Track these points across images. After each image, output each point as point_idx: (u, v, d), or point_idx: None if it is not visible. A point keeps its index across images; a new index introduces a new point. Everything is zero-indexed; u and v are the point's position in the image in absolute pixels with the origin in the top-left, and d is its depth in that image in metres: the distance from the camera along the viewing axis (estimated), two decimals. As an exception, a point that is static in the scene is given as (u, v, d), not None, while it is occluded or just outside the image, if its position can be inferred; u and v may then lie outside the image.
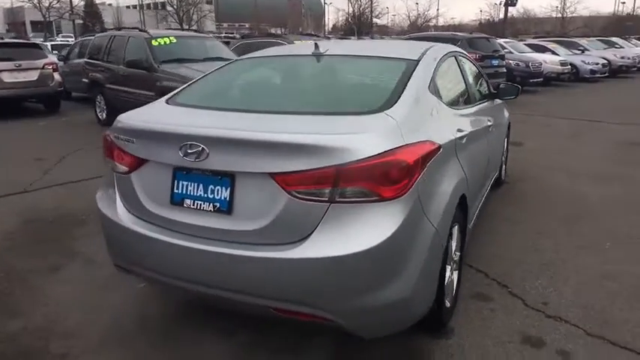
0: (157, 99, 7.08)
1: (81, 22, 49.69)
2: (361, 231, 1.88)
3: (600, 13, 66.11)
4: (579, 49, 18.27)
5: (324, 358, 2.42)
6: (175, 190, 2.13)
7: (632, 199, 4.72)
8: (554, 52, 16.87)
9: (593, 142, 7.38)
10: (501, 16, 66.18)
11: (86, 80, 9.51)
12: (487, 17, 69.65)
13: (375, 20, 57.14)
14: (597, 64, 16.91)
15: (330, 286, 1.90)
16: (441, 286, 2.31)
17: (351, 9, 60.81)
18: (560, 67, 15.22)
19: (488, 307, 2.82)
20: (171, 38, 8.29)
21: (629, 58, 18.97)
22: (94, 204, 2.55)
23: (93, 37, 10.57)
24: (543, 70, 14.45)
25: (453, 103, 2.87)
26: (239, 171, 1.98)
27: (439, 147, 2.21)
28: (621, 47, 20.76)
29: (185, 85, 2.87)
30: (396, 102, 2.22)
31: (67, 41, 28.59)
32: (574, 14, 61.29)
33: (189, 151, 2.00)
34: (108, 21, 55.88)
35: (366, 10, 55.32)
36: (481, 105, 3.55)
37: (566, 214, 4.29)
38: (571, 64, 16.00)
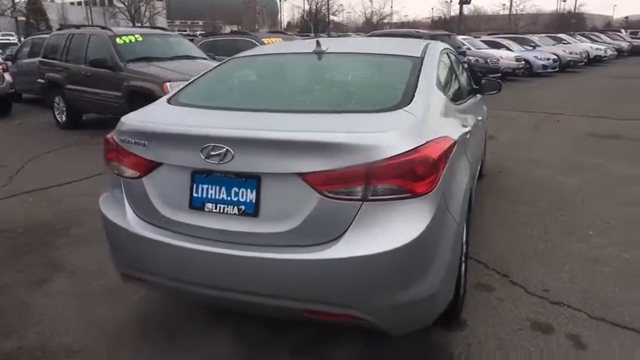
0: (124, 100, 6.94)
1: (23, 19, 47.08)
2: (394, 228, 1.87)
3: (543, 11, 69.07)
4: (531, 45, 19.03)
5: (347, 356, 2.41)
6: (194, 194, 2.05)
7: (602, 187, 4.95)
8: (508, 48, 17.50)
9: (556, 134, 7.69)
10: (453, 13, 68.36)
11: (42, 81, 9.02)
12: (439, 15, 71.45)
13: (331, 17, 57.27)
14: (548, 59, 17.68)
15: (365, 285, 1.89)
16: (458, 279, 2.34)
17: (307, 6, 60.84)
18: (515, 62, 15.81)
19: (494, 297, 2.89)
20: (136, 36, 8.01)
21: (576, 54, 19.95)
22: (70, 212, 2.43)
23: (48, 36, 10.04)
24: (500, 65, 14.97)
25: (454, 99, 2.92)
26: (265, 172, 1.93)
27: (455, 142, 2.23)
28: (568, 43, 21.80)
29: (185, 85, 2.76)
30: (411, 99, 2.22)
31: (9, 40, 27.06)
32: (523, 12, 63.81)
33: (212, 153, 1.93)
34: (53, 18, 53.36)
35: (323, 8, 55.39)
36: (470, 100, 3.63)
37: (547, 204, 4.45)
38: (525, 60, 16.65)
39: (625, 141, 7.10)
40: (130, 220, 2.20)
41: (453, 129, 2.38)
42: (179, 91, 2.69)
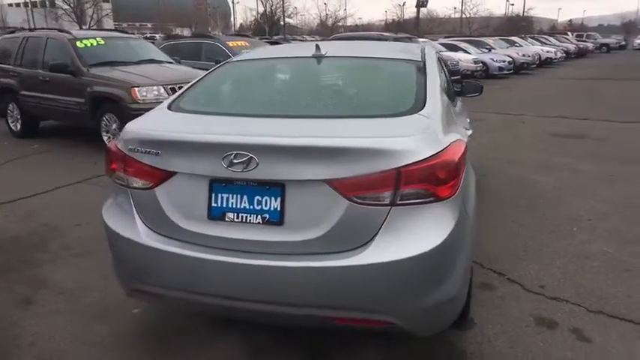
0: (87, 106, 6.69)
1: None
2: (422, 232, 1.88)
3: (493, 14, 71.68)
4: (487, 48, 19.70)
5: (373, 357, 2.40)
6: (213, 204, 1.98)
7: (576, 185, 5.17)
8: (465, 51, 18.03)
9: (525, 135, 7.97)
10: (406, 16, 69.78)
11: (-8, 88, 8.52)
12: (393, 17, 72.85)
13: (287, 20, 57.18)
14: (504, 61, 18.34)
15: (395, 289, 1.88)
16: (470, 279, 2.38)
17: (261, 8, 60.42)
18: (473, 64, 16.31)
19: (495, 295, 2.95)
20: (98, 39, 7.68)
21: (529, 56, 20.82)
22: (45, 226, 2.31)
23: (-1, 39, 9.50)
24: (460, 67, 15.40)
25: (451, 102, 2.97)
26: (290, 179, 1.89)
27: (466, 145, 2.27)
28: (521, 46, 22.71)
29: (183, 91, 2.66)
30: (424, 103, 2.24)
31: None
32: (476, 15, 65.99)
33: (235, 161, 1.87)
34: (-11, 20, 50.52)
35: (278, 10, 55.22)
36: (459, 103, 3.71)
37: (528, 203, 4.60)
38: (482, 62, 17.20)
39: (589, 140, 7.44)
40: (141, 232, 2.10)
41: (461, 132, 2.41)
42: (178, 97, 2.59)
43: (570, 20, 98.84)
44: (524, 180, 5.34)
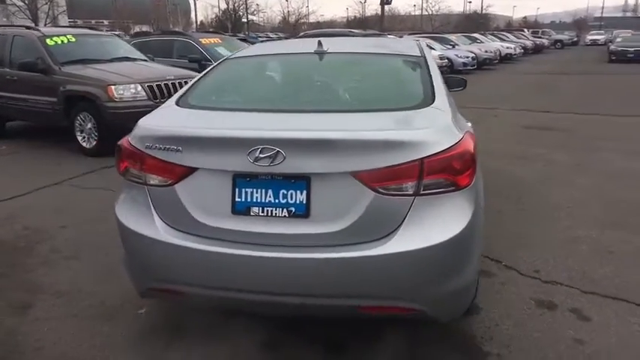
0: (61, 105, 6.51)
1: None
2: (445, 220, 1.94)
3: (452, 12, 73.26)
4: (451, 45, 20.14)
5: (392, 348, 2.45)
6: (237, 199, 1.98)
7: (551, 174, 5.40)
8: (430, 47, 18.36)
9: (497, 127, 8.24)
10: (367, 13, 70.34)
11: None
12: (354, 14, 73.35)
13: (251, 17, 56.60)
14: (467, 57, 18.83)
15: (421, 277, 1.94)
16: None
17: (223, 5, 59.44)
18: (439, 60, 16.61)
19: (496, 281, 3.06)
20: (69, 37, 7.43)
21: (491, 52, 21.44)
22: (29, 230, 2.26)
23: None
24: (427, 63, 15.66)
25: None
26: (315, 172, 1.91)
27: (474, 135, 2.35)
28: (482, 42, 23.36)
29: (188, 88, 2.63)
30: (433, 96, 2.31)
31: None
32: (438, 12, 67.28)
33: (261, 155, 1.88)
34: None
35: (241, 7, 54.59)
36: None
37: (510, 193, 4.77)
38: (447, 58, 17.59)
39: (557, 132, 7.76)
40: (160, 230, 2.08)
41: (467, 123, 2.50)
42: (185, 93, 2.56)
43: (525, 17, 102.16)
44: (504, 171, 5.53)
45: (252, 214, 1.98)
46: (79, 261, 3.48)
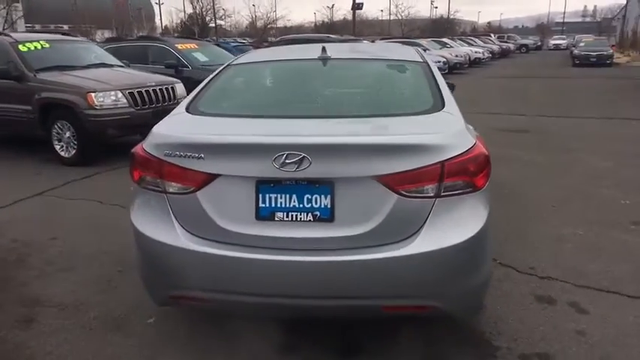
0: (36, 114, 6.36)
1: None
2: (464, 220, 2.02)
3: (419, 17, 74.61)
4: (422, 49, 20.48)
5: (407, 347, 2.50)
6: (261, 205, 2.01)
7: (532, 175, 5.60)
8: (403, 52, 18.67)
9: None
10: (336, 18, 70.80)
11: None
12: (323, 19, 73.77)
13: (219, 22, 56.12)
14: (439, 62, 19.19)
15: (442, 275, 2.01)
16: None
17: (189, 9, 58.71)
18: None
19: (495, 278, 3.15)
20: (42, 42, 7.22)
21: (461, 56, 21.98)
22: (17, 242, 2.23)
23: None
24: (400, 68, 15.93)
25: None
26: (339, 177, 1.96)
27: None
28: (452, 47, 23.91)
29: (195, 95, 2.62)
30: (443, 101, 2.39)
31: None
32: (408, 17, 68.41)
33: (287, 161, 1.91)
34: None
35: (209, 12, 54.10)
36: None
37: (494, 194, 4.88)
38: (419, 63, 17.91)
39: (532, 134, 8.04)
40: (181, 237, 2.08)
41: (469, 126, 2.59)
42: (193, 100, 2.56)
43: (489, 22, 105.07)
44: (488, 172, 5.68)
45: (276, 219, 2.00)
46: (75, 272, 3.40)
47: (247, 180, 2.01)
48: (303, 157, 1.91)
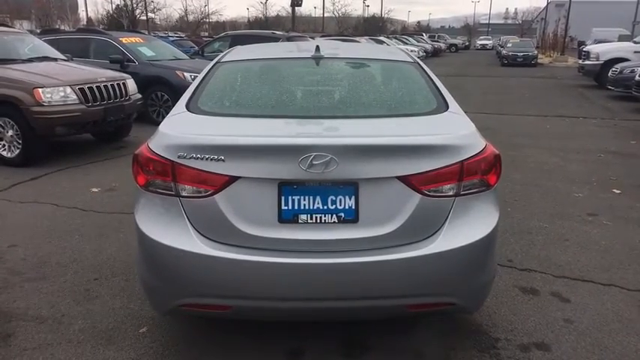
0: None
1: None
2: (481, 217, 2.10)
3: (350, 15, 75.78)
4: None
5: (411, 344, 2.54)
6: (284, 207, 1.96)
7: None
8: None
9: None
10: (270, 14, 70.26)
11: None
12: (256, 15, 73.08)
13: (150, 15, 53.80)
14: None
15: (462, 272, 2.07)
16: None
17: (117, 2, 55.75)
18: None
19: (480, 272, 3.30)
20: (-26, 33, 6.62)
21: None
22: None
23: None
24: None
25: None
26: (363, 177, 1.96)
27: None
28: (388, 45, 24.49)
29: (192, 93, 2.50)
30: (445, 101, 2.46)
31: None
32: (344, 15, 69.16)
33: (315, 162, 1.88)
34: None
35: (139, 4, 51.67)
36: None
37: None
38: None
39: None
40: (199, 243, 1.99)
41: None
42: (190, 100, 2.44)
43: (418, 22, 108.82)
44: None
45: (300, 221, 1.97)
46: (47, 282, 3.16)
47: (269, 182, 1.96)
48: (331, 158, 1.89)
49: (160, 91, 8.58)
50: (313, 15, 78.76)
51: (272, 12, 79.81)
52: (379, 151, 1.96)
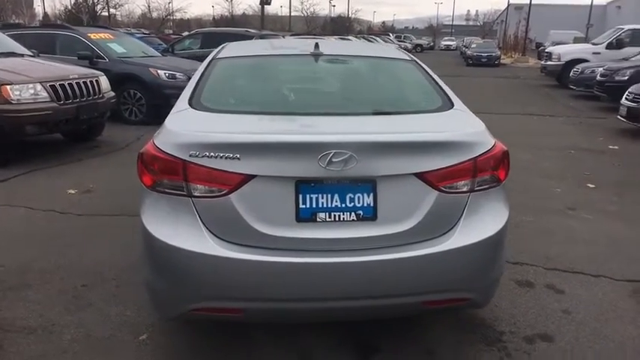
0: None
1: None
2: (494, 212, 2.12)
3: (318, 14, 75.95)
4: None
5: (420, 342, 2.53)
6: (302, 206, 1.92)
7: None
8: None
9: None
10: (237, 12, 69.57)
11: None
12: (222, 13, 72.23)
13: (112, 11, 52.29)
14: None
15: (477, 267, 2.08)
16: None
17: (77, -3, 53.76)
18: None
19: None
20: None
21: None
22: None
23: None
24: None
25: None
26: (381, 175, 1.94)
27: None
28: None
29: (194, 90, 2.42)
30: (450, 99, 2.47)
31: None
32: (313, 14, 69.19)
33: (334, 160, 1.85)
34: None
35: (101, 0, 50.13)
36: None
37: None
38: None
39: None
40: (213, 244, 1.92)
41: None
42: (192, 96, 2.36)
43: (383, 22, 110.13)
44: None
45: (318, 220, 1.93)
46: (32, 290, 3.00)
47: (286, 180, 1.91)
48: (350, 155, 1.86)
49: (133, 89, 8.32)
50: (279, 14, 78.42)
51: (238, 10, 79.09)
52: (398, 148, 1.94)
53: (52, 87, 5.77)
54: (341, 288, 1.95)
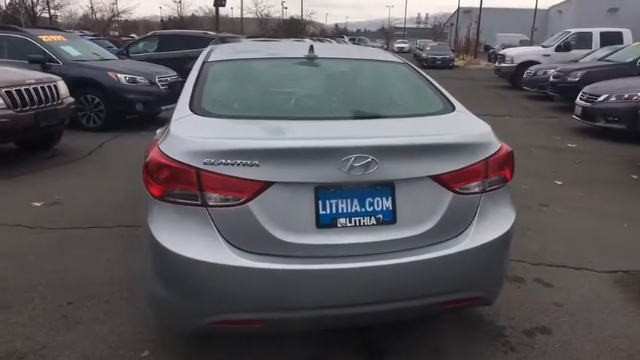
0: None
1: None
2: (503, 211, 2.18)
3: (271, 16, 75.69)
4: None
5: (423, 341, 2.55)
6: (322, 212, 1.89)
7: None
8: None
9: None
10: (186, 14, 68.26)
11: None
12: (170, 15, 70.72)
13: (53, 12, 49.94)
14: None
15: (490, 266, 2.14)
16: None
17: (13, -3, 50.97)
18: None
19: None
20: None
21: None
22: None
23: None
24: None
25: None
26: (399, 178, 1.94)
27: None
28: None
29: (192, 95, 2.33)
30: (450, 101, 2.52)
31: None
32: (268, 16, 68.88)
33: (355, 164, 1.83)
34: None
35: (41, 1, 47.81)
36: None
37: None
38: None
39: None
40: (231, 254, 1.86)
41: None
42: (192, 102, 2.28)
43: (336, 25, 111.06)
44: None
45: (339, 225, 1.91)
46: (13, 312, 2.80)
47: (305, 186, 1.88)
48: (371, 159, 1.85)
49: (91, 94, 7.97)
50: (230, 16, 77.53)
51: (188, 12, 77.58)
52: (416, 151, 1.96)
53: (8, 93, 5.44)
54: (365, 293, 1.94)
